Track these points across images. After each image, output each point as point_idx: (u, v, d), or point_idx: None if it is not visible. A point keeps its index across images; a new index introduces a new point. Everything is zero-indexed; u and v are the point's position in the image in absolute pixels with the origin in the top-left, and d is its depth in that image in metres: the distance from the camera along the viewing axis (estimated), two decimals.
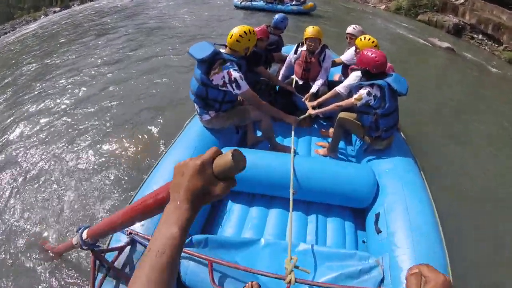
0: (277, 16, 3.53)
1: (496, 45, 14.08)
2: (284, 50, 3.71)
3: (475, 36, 15.25)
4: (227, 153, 0.46)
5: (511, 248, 2.65)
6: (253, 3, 13.07)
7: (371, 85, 2.21)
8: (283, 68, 3.29)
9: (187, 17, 11.65)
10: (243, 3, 13.30)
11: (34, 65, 6.88)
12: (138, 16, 13.13)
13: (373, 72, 2.22)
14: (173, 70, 5.68)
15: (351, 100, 2.29)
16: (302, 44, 3.04)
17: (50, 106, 4.56)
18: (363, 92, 2.23)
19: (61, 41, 9.41)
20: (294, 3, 12.57)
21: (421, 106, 5.09)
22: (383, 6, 21.91)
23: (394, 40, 11.31)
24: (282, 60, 3.36)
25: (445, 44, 10.56)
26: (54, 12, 31.13)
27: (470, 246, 2.58)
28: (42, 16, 25.10)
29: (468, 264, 2.37)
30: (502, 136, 4.80)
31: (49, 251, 2.15)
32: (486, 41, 14.87)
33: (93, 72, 5.80)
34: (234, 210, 2.12)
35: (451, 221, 2.56)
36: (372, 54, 2.21)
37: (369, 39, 2.63)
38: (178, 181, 0.47)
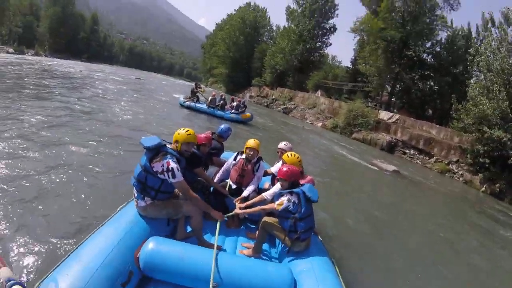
0: (222, 126, 4.44)
1: (427, 157, 16.81)
2: (223, 155, 4.48)
3: (407, 151, 18.13)
4: None
5: None
6: (197, 105, 15.35)
7: (290, 193, 2.90)
8: (220, 172, 3.94)
9: (129, 108, 12.25)
10: (187, 103, 15.53)
11: None
12: (83, 90, 13.76)
13: (288, 180, 2.96)
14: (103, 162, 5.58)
15: (274, 205, 2.92)
16: (242, 153, 3.81)
17: None
18: (284, 198, 2.89)
19: None
20: (233, 111, 15.02)
21: (356, 219, 5.94)
22: (320, 124, 25.84)
23: (333, 158, 12.95)
24: (220, 164, 4.08)
25: (391, 167, 11.72)
26: (7, 52, 31.67)
27: None
28: None
29: None
30: (431, 244, 5.65)
31: None
32: (417, 155, 17.67)
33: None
34: None
35: None
36: (290, 167, 3.03)
37: (295, 155, 3.46)
38: None
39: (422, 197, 9.86)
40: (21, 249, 2.90)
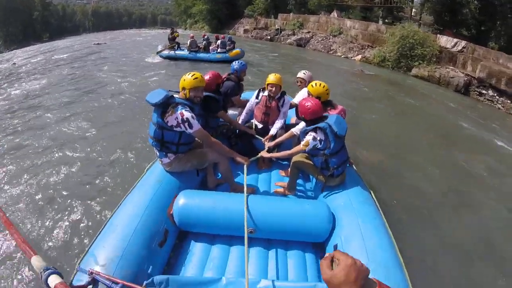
0: (234, 63, 5.26)
1: (509, 101, 16.39)
2: (243, 95, 5.43)
3: (484, 91, 17.46)
4: None
5: (475, 268, 4.02)
6: (177, 52, 17.60)
7: (315, 130, 3.53)
8: (243, 114, 4.80)
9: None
10: (165, 52, 17.81)
11: None
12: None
13: (308, 119, 3.61)
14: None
15: (300, 146, 3.59)
16: (263, 90, 4.59)
17: None
18: (308, 138, 3.49)
19: None
20: (219, 50, 16.90)
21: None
22: (358, 56, 24.24)
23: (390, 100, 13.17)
24: (242, 104, 4.95)
25: None
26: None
27: (433, 272, 3.82)
28: None
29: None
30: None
31: None
32: (497, 97, 16.98)
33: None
34: (195, 250, 3.16)
35: (410, 246, 3.88)
36: (306, 103, 3.59)
37: (321, 84, 4.13)
38: None
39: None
40: (54, 234, 4.01)
